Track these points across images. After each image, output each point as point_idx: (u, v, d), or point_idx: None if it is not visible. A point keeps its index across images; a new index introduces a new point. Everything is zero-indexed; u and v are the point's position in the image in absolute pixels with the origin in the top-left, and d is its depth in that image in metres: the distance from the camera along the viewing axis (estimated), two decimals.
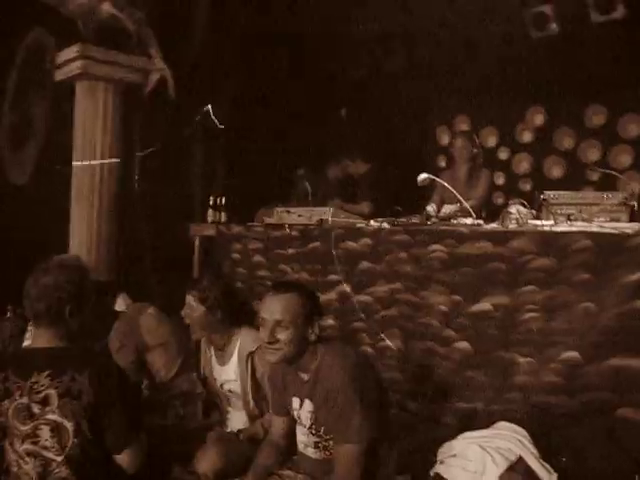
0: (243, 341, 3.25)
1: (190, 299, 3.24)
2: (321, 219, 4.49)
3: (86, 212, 5.37)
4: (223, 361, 3.35)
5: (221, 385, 3.38)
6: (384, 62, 6.69)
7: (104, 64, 5.32)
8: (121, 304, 4.50)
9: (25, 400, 2.32)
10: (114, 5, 5.26)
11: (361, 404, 2.41)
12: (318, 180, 6.41)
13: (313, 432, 2.60)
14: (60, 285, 2.41)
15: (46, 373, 2.32)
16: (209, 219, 5.43)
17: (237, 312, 3.35)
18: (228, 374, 3.32)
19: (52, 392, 2.31)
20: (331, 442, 2.54)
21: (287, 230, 4.69)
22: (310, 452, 2.66)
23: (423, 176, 4.40)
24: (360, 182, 6.12)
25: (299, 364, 2.56)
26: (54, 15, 5.19)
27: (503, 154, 7.18)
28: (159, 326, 3.80)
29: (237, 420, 3.36)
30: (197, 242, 5.44)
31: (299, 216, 4.68)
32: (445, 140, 7.46)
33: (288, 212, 4.77)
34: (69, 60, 5.31)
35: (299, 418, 2.65)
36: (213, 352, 3.41)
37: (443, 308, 3.89)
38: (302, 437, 2.68)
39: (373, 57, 6.77)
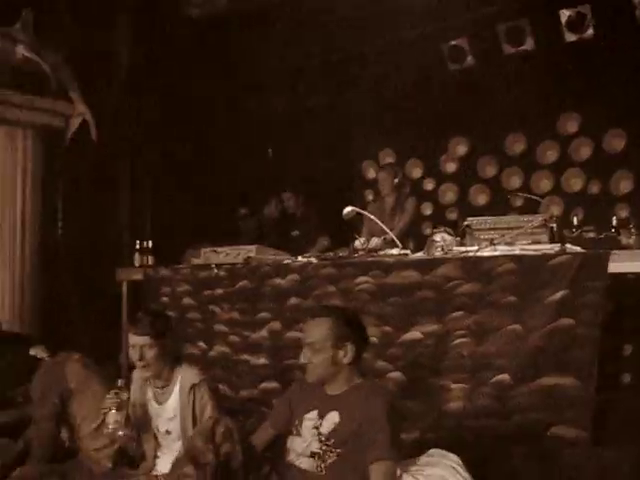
0: (185, 375, 3.17)
1: (139, 339, 3.12)
2: (248, 257, 4.45)
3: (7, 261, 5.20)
4: (164, 399, 3.24)
5: (157, 427, 3.27)
6: (307, 98, 6.77)
7: (21, 109, 5.20)
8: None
9: None
10: (30, 49, 5.16)
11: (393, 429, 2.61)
12: (257, 218, 6.48)
13: (322, 439, 2.66)
14: None
15: None
16: (136, 263, 5.33)
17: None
18: (167, 412, 3.21)
19: None
20: (331, 454, 2.63)
21: (214, 270, 4.64)
22: (301, 461, 2.70)
23: (348, 209, 4.42)
24: (295, 219, 6.27)
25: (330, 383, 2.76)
26: None
27: (429, 185, 7.27)
28: (86, 373, 3.66)
29: (165, 463, 3.24)
30: (125, 287, 5.33)
31: (226, 255, 4.64)
32: (372, 174, 7.52)
33: (215, 252, 4.72)
34: None
35: (316, 428, 2.70)
36: (151, 392, 3.30)
37: (374, 340, 3.87)
38: (297, 447, 2.73)
39: (296, 93, 6.85)
